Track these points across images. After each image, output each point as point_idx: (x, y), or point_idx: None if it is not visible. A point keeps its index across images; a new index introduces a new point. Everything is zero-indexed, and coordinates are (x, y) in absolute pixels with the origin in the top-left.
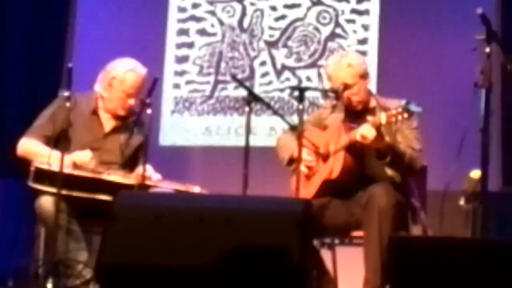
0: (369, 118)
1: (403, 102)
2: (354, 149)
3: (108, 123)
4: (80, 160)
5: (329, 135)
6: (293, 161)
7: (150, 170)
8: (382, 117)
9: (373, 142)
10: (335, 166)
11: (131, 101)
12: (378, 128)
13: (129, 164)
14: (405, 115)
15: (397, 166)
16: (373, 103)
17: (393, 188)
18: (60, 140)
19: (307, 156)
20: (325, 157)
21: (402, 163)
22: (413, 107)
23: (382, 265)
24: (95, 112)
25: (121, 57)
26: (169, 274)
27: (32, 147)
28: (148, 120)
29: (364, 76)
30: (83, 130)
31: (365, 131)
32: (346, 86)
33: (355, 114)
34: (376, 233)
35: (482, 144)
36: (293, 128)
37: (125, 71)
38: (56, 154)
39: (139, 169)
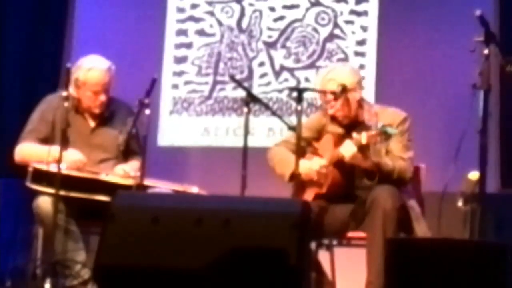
0: (354, 135)
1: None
2: (342, 166)
3: (92, 121)
4: (71, 165)
5: (323, 147)
6: (295, 177)
7: (127, 168)
8: (363, 138)
9: (354, 159)
10: (324, 181)
11: (102, 98)
12: (360, 146)
13: (122, 158)
14: (383, 137)
15: (387, 183)
16: (366, 116)
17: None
18: (57, 141)
19: (320, 160)
20: None
21: (391, 179)
22: (389, 130)
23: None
24: (77, 111)
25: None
26: (167, 275)
27: (29, 150)
28: (147, 120)
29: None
30: (71, 128)
31: (345, 148)
32: (345, 89)
33: (350, 125)
34: (380, 235)
35: (480, 145)
36: (291, 128)
37: (86, 70)
38: (55, 149)
39: (117, 169)
